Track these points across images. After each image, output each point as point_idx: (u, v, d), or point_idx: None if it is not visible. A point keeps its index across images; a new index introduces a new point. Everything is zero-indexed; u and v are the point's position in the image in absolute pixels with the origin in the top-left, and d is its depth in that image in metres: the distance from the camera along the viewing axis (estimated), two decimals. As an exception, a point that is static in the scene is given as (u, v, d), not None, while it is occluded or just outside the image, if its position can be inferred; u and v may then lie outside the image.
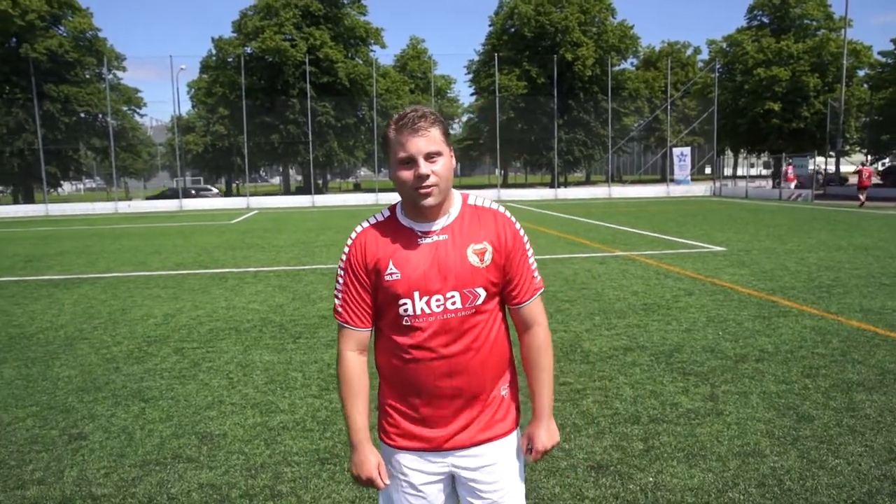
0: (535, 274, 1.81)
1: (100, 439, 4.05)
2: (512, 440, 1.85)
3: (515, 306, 1.80)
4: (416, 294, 1.67)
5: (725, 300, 7.65)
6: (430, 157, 1.62)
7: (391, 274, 1.68)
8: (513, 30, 51.24)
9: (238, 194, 49.51)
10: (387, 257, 1.69)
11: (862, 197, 24.80)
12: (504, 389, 1.83)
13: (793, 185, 31.63)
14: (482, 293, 1.71)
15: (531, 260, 1.80)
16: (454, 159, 1.71)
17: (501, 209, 1.78)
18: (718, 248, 12.51)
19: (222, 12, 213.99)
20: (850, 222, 17.76)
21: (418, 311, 1.68)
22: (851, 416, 4.10)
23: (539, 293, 1.82)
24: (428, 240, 1.69)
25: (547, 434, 1.84)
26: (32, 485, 3.49)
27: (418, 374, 1.72)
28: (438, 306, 1.68)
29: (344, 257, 1.76)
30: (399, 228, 1.72)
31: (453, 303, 1.68)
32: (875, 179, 35.17)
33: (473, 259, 1.68)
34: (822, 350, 5.52)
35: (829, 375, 4.87)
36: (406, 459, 1.80)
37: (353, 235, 1.76)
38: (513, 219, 1.78)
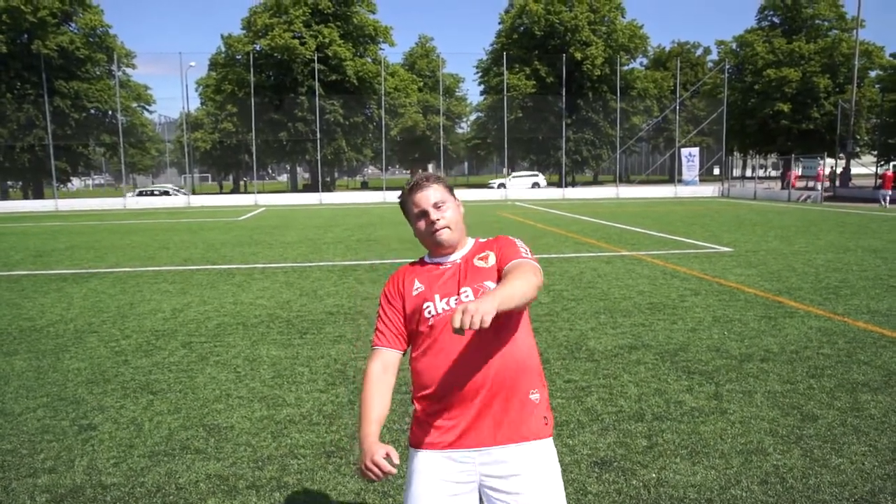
0: (524, 253, 1.92)
1: (109, 430, 4.11)
2: (541, 448, 1.86)
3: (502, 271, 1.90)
4: (437, 297, 1.90)
5: (731, 300, 7.64)
6: (437, 205, 1.93)
7: (417, 288, 1.96)
8: (522, 28, 51.16)
9: (246, 191, 49.73)
10: (413, 279, 1.99)
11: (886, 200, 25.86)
12: (534, 394, 1.88)
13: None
14: (491, 285, 1.87)
15: (522, 250, 1.94)
16: (461, 208, 2.01)
17: (505, 235, 2.04)
18: (726, 249, 12.49)
19: (232, 9, 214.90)
20: (860, 224, 17.66)
21: (439, 311, 1.88)
22: (856, 416, 4.11)
23: (525, 259, 1.88)
24: (448, 265, 1.98)
25: (479, 299, 1.58)
26: (44, 473, 3.55)
27: (444, 367, 1.84)
28: (456, 304, 1.87)
29: (382, 295, 2.05)
30: (426, 264, 2.03)
31: (466, 296, 1.86)
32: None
33: (479, 263, 1.95)
34: (828, 351, 5.52)
35: (834, 376, 4.87)
36: (434, 463, 1.84)
37: (391, 277, 2.08)
38: (512, 237, 2.02)
